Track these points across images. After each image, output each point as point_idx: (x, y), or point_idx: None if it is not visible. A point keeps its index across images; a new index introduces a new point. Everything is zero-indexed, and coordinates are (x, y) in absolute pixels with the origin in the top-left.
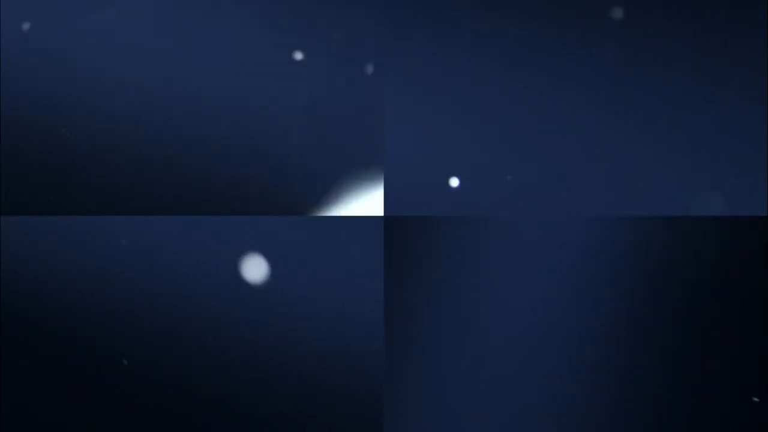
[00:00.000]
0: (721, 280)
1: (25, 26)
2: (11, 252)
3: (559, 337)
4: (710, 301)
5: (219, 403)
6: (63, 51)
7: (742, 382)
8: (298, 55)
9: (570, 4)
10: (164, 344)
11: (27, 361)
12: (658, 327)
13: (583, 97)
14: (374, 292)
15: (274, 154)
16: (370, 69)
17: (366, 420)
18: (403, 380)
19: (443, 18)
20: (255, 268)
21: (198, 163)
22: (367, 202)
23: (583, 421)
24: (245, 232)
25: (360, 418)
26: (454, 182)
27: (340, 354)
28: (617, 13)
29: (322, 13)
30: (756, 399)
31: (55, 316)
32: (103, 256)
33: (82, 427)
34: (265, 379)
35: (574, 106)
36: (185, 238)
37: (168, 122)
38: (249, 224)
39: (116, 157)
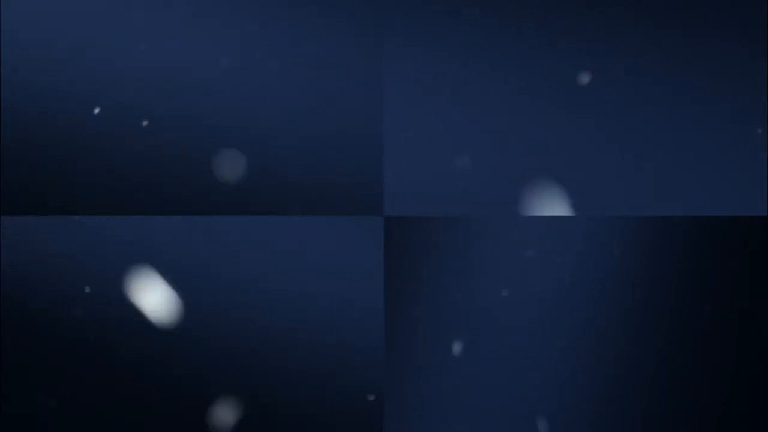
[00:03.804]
0: (721, 280)
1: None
2: (11, 252)
3: (560, 337)
4: (710, 301)
5: (218, 403)
6: (63, 50)
7: (742, 382)
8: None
9: (570, 3)
10: (163, 344)
11: (27, 361)
12: (657, 327)
13: (582, 97)
14: (374, 292)
15: (275, 154)
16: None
17: (366, 420)
18: (403, 380)
19: (444, 18)
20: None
21: (198, 163)
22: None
23: (583, 421)
24: (245, 232)
25: (360, 418)
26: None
27: (340, 354)
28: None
29: (323, 12)
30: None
31: (55, 316)
32: (103, 256)
33: (82, 427)
34: (264, 378)
35: (574, 106)
36: (185, 238)
37: (168, 122)
38: (249, 224)
39: (116, 157)
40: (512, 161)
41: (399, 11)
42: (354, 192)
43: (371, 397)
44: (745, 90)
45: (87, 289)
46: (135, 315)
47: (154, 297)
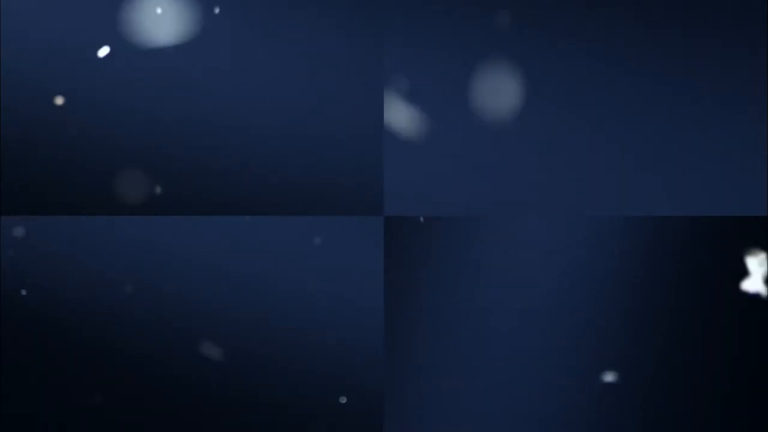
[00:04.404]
0: (721, 280)
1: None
2: (11, 252)
3: (560, 337)
4: (710, 301)
5: (218, 403)
6: (64, 50)
7: (742, 382)
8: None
9: (570, 3)
10: (163, 344)
11: (27, 361)
12: (657, 327)
13: (582, 96)
14: (374, 292)
15: (275, 154)
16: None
17: (366, 420)
18: (403, 380)
19: (443, 17)
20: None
21: (198, 163)
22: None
23: (584, 421)
24: (245, 232)
25: (360, 418)
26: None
27: (340, 354)
28: None
29: (323, 12)
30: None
31: (55, 316)
32: (103, 256)
33: (82, 427)
34: (264, 378)
35: (574, 105)
36: (185, 238)
37: (168, 122)
38: (249, 224)
39: (116, 157)
40: (512, 161)
41: (399, 11)
42: (354, 192)
43: (343, 400)
44: (745, 90)
45: (23, 293)
46: (135, 315)
47: None
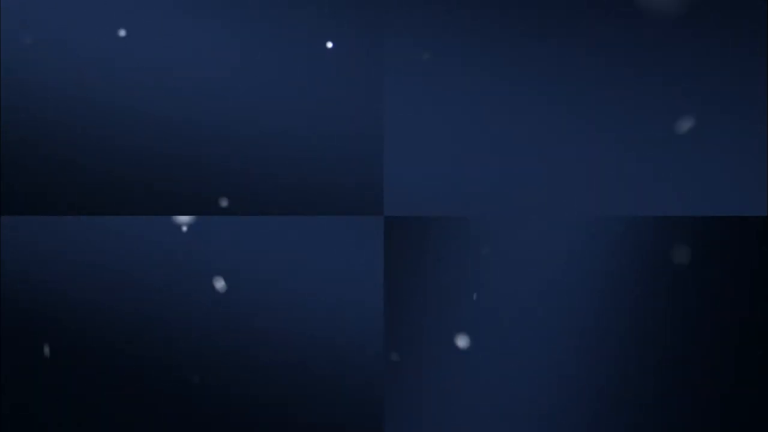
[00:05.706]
0: (721, 281)
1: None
2: (11, 252)
3: (560, 338)
4: (710, 301)
5: (217, 404)
6: (63, 50)
7: (742, 383)
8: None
9: (570, 3)
10: (163, 344)
11: (27, 361)
12: (657, 327)
13: (583, 96)
14: (374, 292)
15: (274, 154)
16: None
17: (366, 420)
18: (403, 380)
19: (443, 17)
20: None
21: (198, 163)
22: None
23: (584, 422)
24: (245, 232)
25: (360, 418)
26: None
27: (340, 354)
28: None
29: (323, 12)
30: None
31: (55, 316)
32: (103, 256)
33: (82, 427)
34: (264, 379)
35: (574, 105)
36: (185, 238)
37: (169, 122)
38: (249, 224)
39: (117, 157)
40: (512, 161)
41: (399, 11)
42: (354, 192)
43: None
44: (745, 90)
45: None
46: (135, 315)
47: None
